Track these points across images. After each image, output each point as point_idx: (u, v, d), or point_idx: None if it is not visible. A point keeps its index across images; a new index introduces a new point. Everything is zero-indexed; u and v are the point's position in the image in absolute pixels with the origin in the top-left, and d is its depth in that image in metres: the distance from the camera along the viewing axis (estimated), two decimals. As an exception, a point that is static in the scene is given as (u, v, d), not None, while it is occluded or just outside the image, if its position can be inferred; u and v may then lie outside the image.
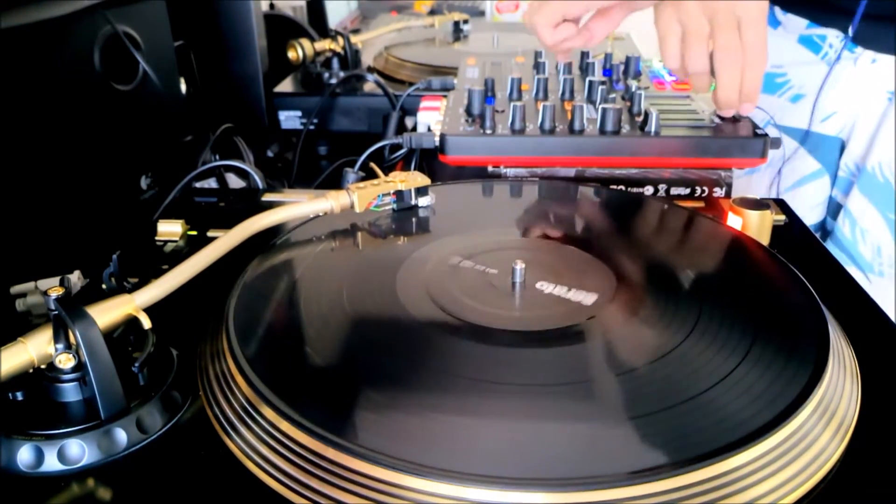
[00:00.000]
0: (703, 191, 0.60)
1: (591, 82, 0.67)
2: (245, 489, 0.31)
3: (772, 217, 0.50)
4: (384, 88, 0.82)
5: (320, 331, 0.38)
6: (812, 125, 0.78)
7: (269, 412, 0.32)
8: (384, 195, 0.50)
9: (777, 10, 0.82)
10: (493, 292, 0.42)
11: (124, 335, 0.37)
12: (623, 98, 0.67)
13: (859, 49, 0.74)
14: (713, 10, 0.54)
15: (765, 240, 0.50)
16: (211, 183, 0.71)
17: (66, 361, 0.34)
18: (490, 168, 0.61)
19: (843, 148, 0.78)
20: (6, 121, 0.49)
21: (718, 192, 0.59)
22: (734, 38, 0.54)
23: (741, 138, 0.57)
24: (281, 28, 0.97)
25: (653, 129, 0.58)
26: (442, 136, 0.59)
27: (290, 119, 0.88)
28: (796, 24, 0.79)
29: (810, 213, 0.81)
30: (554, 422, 0.32)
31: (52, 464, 0.32)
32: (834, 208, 0.79)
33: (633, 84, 0.69)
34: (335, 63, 0.92)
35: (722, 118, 0.61)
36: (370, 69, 0.95)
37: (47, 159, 0.54)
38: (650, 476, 0.29)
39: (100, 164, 0.59)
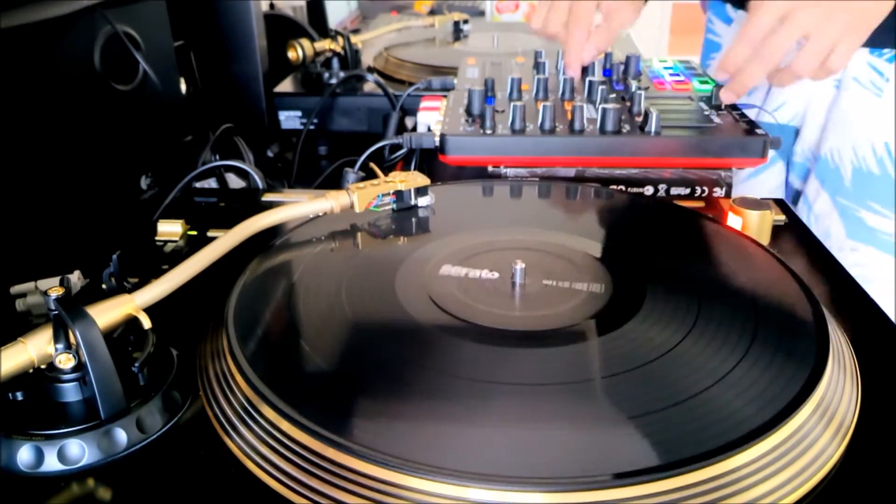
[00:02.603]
0: (703, 191, 0.60)
1: (591, 82, 0.67)
2: (245, 489, 0.31)
3: (772, 217, 0.50)
4: (384, 88, 0.82)
5: (320, 331, 0.38)
6: (762, 116, 0.80)
7: (269, 412, 0.33)
8: (384, 195, 0.50)
9: (728, 7, 0.85)
10: (493, 292, 0.42)
11: (124, 335, 0.37)
12: (623, 98, 0.67)
13: None
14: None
15: (765, 240, 0.50)
16: (211, 183, 0.72)
17: (66, 361, 0.34)
18: (490, 168, 0.61)
19: (797, 134, 0.79)
20: (6, 121, 0.49)
21: (718, 192, 0.59)
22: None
23: (741, 138, 0.57)
24: (281, 28, 0.97)
25: (653, 129, 0.58)
26: (442, 136, 0.59)
27: (290, 119, 0.88)
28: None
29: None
30: (553, 421, 0.32)
31: (52, 464, 0.32)
32: (793, 195, 0.82)
33: (633, 84, 0.69)
34: (335, 63, 0.92)
35: (722, 118, 0.61)
36: (370, 69, 0.95)
37: (47, 159, 0.54)
38: (650, 476, 0.29)
39: (100, 164, 0.59)
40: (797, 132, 0.79)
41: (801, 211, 0.78)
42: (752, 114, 0.64)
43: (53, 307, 0.34)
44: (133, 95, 0.63)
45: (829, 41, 0.57)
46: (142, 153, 0.65)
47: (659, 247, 0.49)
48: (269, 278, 0.44)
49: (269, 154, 0.91)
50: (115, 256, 0.40)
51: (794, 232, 0.54)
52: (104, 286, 0.39)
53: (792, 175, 0.81)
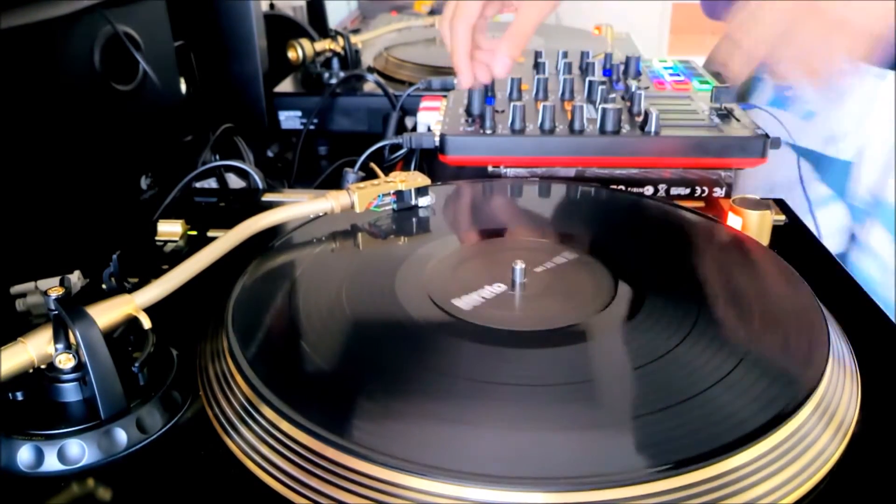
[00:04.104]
0: (703, 191, 0.60)
1: (591, 82, 0.67)
2: (245, 489, 0.31)
3: (772, 217, 0.50)
4: (384, 88, 0.82)
5: (320, 331, 0.38)
6: (822, 146, 0.71)
7: (269, 412, 0.33)
8: (384, 195, 0.50)
9: None
10: (493, 292, 0.42)
11: (124, 335, 0.37)
12: (623, 98, 0.67)
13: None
14: None
15: (765, 240, 0.50)
16: (211, 183, 0.71)
17: (66, 361, 0.34)
18: (490, 168, 0.61)
19: (855, 173, 0.70)
20: (6, 121, 0.49)
21: (718, 192, 0.59)
22: None
23: (741, 138, 0.57)
24: (281, 28, 0.97)
25: (653, 129, 0.58)
26: (442, 136, 0.59)
27: (290, 119, 0.88)
28: None
29: (829, 242, 0.70)
30: (554, 422, 0.32)
31: (52, 464, 0.32)
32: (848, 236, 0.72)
33: (633, 84, 0.69)
34: (335, 63, 0.92)
35: (722, 117, 0.61)
36: (370, 69, 0.95)
37: (47, 159, 0.54)
38: (650, 476, 0.29)
39: (100, 164, 0.59)
40: (855, 170, 0.69)
41: (865, 262, 0.68)
42: (752, 114, 0.64)
43: (53, 307, 0.34)
44: (133, 95, 0.63)
45: None
46: (142, 153, 0.65)
47: (659, 247, 0.49)
48: (270, 278, 0.44)
49: (269, 154, 0.91)
50: (115, 256, 0.40)
51: (794, 232, 0.54)
52: (104, 286, 0.39)
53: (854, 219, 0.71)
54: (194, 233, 0.54)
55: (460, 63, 0.61)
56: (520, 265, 0.42)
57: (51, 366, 0.34)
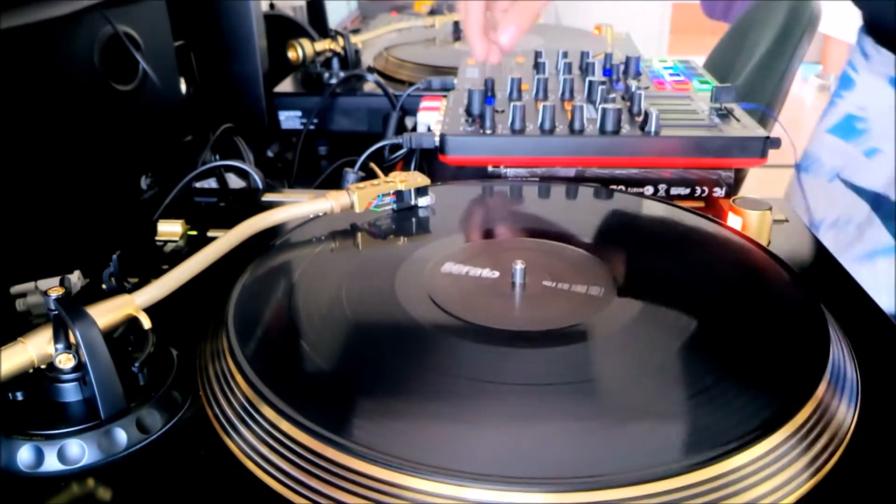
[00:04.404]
0: (703, 191, 0.60)
1: (591, 82, 0.67)
2: (245, 489, 0.31)
3: (771, 217, 0.50)
4: (384, 88, 0.82)
5: (320, 331, 0.38)
6: (884, 188, 0.63)
7: (269, 412, 0.33)
8: (384, 195, 0.50)
9: (869, 41, 0.68)
10: (493, 293, 0.42)
11: (124, 335, 0.37)
12: (623, 98, 0.67)
13: None
14: None
15: (765, 240, 0.50)
16: (211, 183, 0.72)
17: (66, 361, 0.34)
18: (490, 168, 0.61)
19: None
20: (6, 121, 0.49)
21: (718, 192, 0.59)
22: None
23: (741, 138, 0.57)
24: (281, 28, 0.97)
25: (653, 129, 0.58)
26: (442, 136, 0.59)
27: (290, 119, 0.88)
28: (886, 60, 0.66)
29: (885, 298, 0.63)
30: (554, 422, 0.32)
31: (52, 464, 0.32)
32: None
33: (633, 84, 0.69)
34: (335, 63, 0.92)
35: (722, 117, 0.61)
36: (370, 69, 0.95)
37: (47, 159, 0.54)
38: (650, 476, 0.29)
39: (100, 164, 0.59)
40: None
41: None
42: (753, 115, 0.64)
43: (53, 307, 0.34)
44: (133, 95, 0.63)
45: None
46: (142, 153, 0.65)
47: (659, 247, 0.49)
48: (269, 278, 0.44)
49: (269, 154, 0.91)
50: (115, 256, 0.40)
51: (794, 232, 0.54)
52: (104, 286, 0.39)
53: None
54: (194, 233, 0.54)
55: (472, 38, 0.60)
56: (520, 265, 0.42)
57: (51, 366, 0.34)
